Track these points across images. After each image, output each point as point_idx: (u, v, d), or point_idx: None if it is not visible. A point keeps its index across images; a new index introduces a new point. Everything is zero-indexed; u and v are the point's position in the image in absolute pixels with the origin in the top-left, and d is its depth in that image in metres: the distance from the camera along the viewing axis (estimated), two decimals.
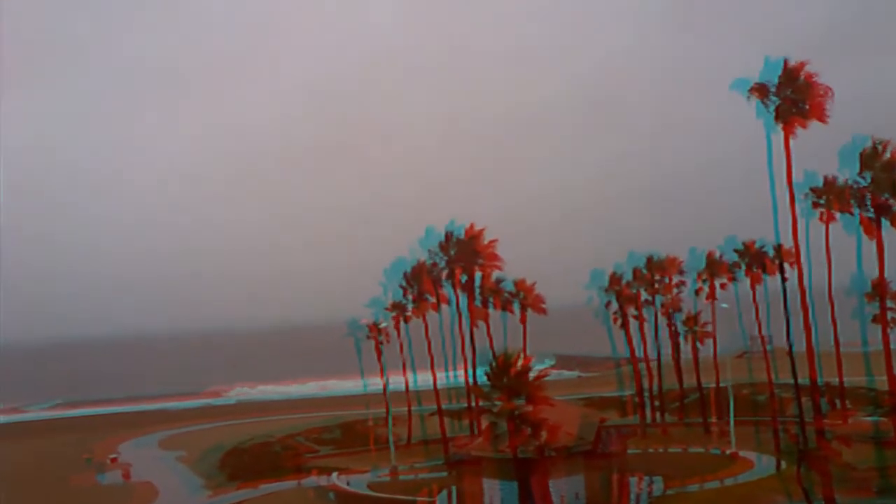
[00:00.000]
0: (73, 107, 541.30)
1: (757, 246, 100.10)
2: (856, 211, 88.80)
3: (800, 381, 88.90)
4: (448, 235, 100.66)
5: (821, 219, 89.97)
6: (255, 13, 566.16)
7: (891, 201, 72.88)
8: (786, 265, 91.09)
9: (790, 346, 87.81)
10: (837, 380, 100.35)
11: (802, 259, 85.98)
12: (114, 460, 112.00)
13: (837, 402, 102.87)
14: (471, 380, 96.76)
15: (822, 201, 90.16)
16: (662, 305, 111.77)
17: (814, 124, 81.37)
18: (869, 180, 73.90)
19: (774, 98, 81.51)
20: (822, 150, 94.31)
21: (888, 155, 73.07)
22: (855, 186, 76.38)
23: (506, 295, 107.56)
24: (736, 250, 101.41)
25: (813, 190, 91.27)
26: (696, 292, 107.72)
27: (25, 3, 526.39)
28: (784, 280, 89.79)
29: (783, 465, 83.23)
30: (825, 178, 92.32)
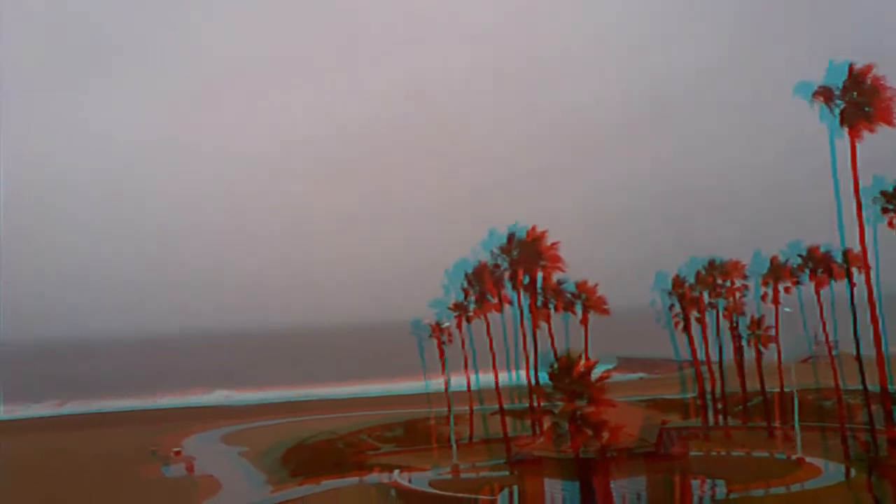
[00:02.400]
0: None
1: (822, 250, 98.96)
2: None
3: (869, 387, 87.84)
4: (510, 237, 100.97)
5: (890, 224, 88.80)
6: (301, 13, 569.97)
7: None
8: (854, 270, 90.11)
9: (858, 352, 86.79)
10: None
11: (871, 264, 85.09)
12: (177, 454, 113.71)
13: None
14: (533, 380, 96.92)
15: (891, 206, 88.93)
16: (725, 309, 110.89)
17: (881, 128, 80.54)
18: None
19: (839, 102, 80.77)
20: (891, 153, 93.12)
21: None
22: None
23: (568, 296, 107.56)
24: (799, 255, 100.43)
25: (883, 194, 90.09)
26: (762, 297, 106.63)
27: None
28: (852, 285, 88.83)
29: (853, 472, 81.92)
30: None
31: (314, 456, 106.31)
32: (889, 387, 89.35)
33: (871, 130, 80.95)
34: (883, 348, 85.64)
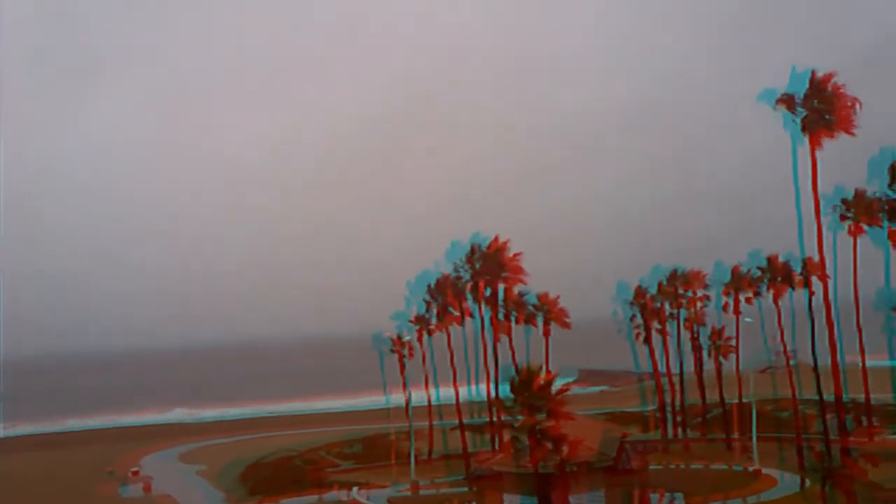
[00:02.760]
0: (84, 117, 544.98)
1: (782, 259, 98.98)
2: (885, 224, 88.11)
3: (825, 397, 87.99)
4: (473, 248, 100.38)
5: (849, 232, 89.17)
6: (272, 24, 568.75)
7: None
8: (813, 279, 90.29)
9: (815, 362, 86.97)
10: (864, 396, 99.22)
11: (829, 272, 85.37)
12: (135, 473, 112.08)
13: (864, 419, 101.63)
14: (493, 394, 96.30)
15: (850, 214, 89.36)
16: (686, 319, 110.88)
17: (842, 136, 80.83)
18: None
19: (801, 109, 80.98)
20: (851, 162, 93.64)
21: None
22: (884, 199, 75.61)
23: (529, 308, 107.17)
24: (759, 267, 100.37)
25: (842, 202, 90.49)
26: (724, 308, 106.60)
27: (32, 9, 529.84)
28: (811, 294, 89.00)
29: (807, 483, 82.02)
30: (855, 190, 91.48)
31: (273, 474, 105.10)
32: (844, 397, 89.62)
33: (832, 138, 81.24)
34: (838, 358, 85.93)
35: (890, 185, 75.40)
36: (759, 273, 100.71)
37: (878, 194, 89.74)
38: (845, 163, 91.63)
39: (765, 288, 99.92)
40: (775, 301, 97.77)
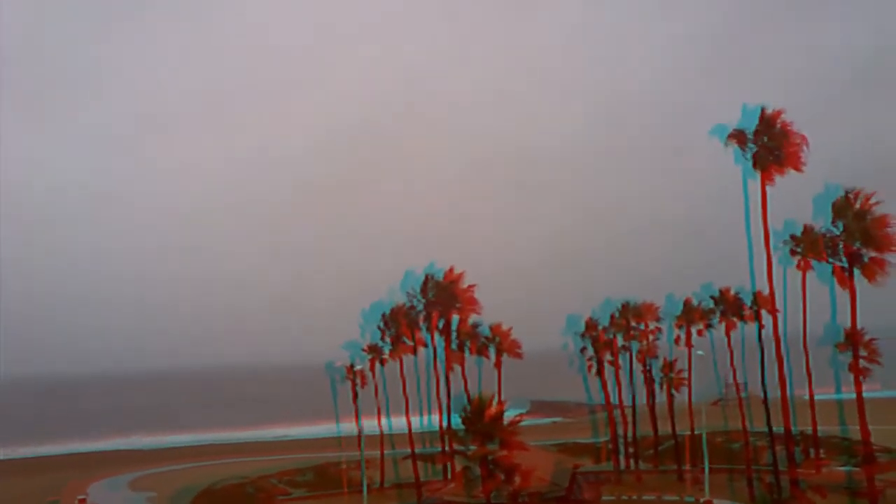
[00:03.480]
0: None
1: (733, 293, 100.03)
2: (830, 260, 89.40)
3: (774, 429, 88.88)
4: (427, 279, 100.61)
5: (798, 267, 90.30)
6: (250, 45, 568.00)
7: (862, 251, 73.14)
8: (763, 312, 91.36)
9: (765, 394, 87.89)
10: (811, 429, 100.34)
11: (779, 306, 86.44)
12: (82, 501, 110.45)
13: (811, 451, 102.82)
14: (445, 424, 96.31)
15: (799, 249, 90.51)
16: (638, 352, 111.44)
17: (790, 172, 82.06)
18: (842, 229, 74.15)
19: (752, 146, 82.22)
20: (800, 197, 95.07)
21: (859, 205, 73.39)
22: (828, 235, 76.74)
23: (482, 339, 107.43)
24: (712, 297, 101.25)
25: (791, 237, 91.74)
26: (675, 341, 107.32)
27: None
28: (760, 327, 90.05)
29: None
30: (805, 226, 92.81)
31: (224, 501, 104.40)
32: (793, 429, 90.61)
33: (782, 174, 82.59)
34: (787, 390, 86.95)
35: (833, 222, 76.63)
36: (710, 305, 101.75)
37: (824, 230, 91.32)
38: (795, 198, 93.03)
39: (716, 320, 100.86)
40: (727, 334, 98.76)
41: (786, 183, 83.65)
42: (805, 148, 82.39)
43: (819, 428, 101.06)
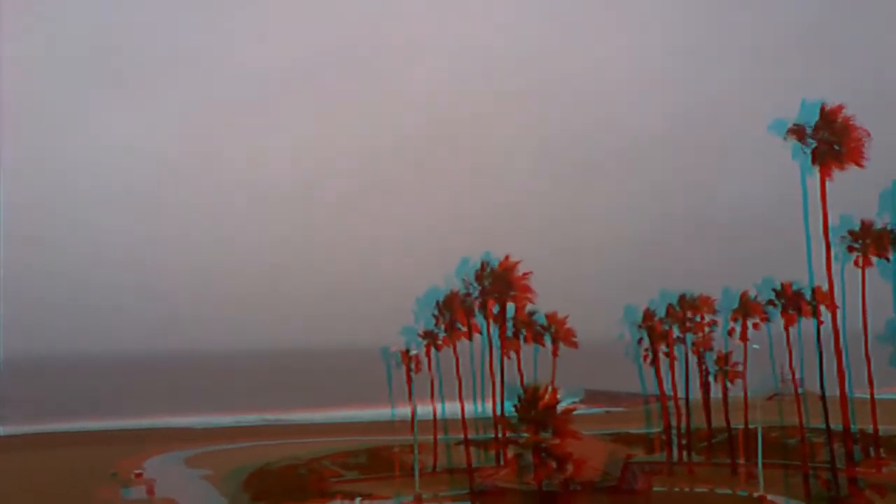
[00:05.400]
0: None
1: (794, 288, 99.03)
2: (893, 257, 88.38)
3: (832, 426, 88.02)
4: (483, 266, 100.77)
5: (856, 263, 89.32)
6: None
7: None
8: (821, 308, 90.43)
9: (822, 391, 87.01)
10: (872, 427, 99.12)
11: (838, 303, 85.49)
12: (138, 476, 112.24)
13: (871, 449, 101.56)
14: (499, 411, 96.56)
15: (857, 245, 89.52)
16: (693, 344, 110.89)
17: (852, 168, 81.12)
18: None
19: (811, 141, 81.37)
20: (862, 193, 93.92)
21: None
22: (893, 231, 75.86)
23: (537, 327, 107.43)
24: (774, 290, 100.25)
25: (850, 233, 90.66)
26: (729, 333, 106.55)
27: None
28: (819, 323, 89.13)
29: None
30: (862, 221, 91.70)
31: (276, 481, 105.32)
32: (851, 427, 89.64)
33: (842, 169, 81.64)
34: (846, 388, 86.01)
35: None
36: (768, 299, 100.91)
37: (889, 226, 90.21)
38: (853, 194, 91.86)
39: (778, 314, 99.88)
40: (786, 328, 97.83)
41: (847, 177, 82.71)
42: (868, 143, 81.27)
43: (880, 427, 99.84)
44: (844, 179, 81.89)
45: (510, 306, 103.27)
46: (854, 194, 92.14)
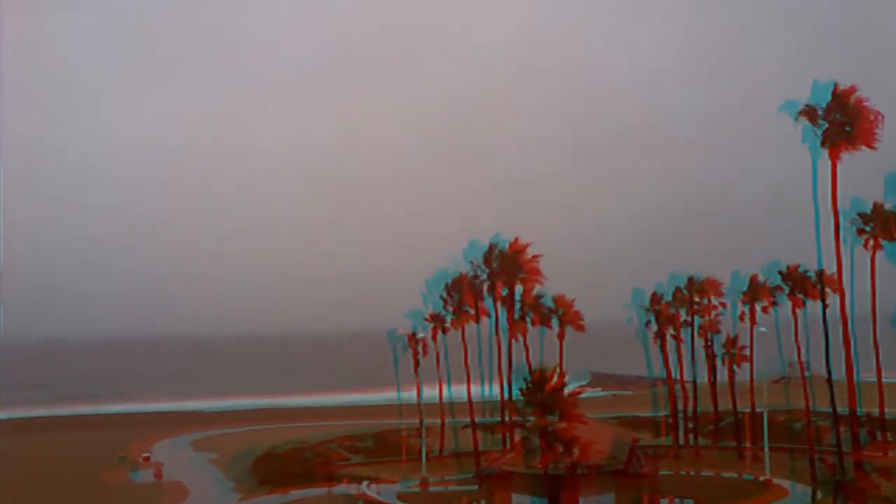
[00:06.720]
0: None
1: (800, 271, 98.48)
2: None
3: (839, 410, 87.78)
4: (492, 248, 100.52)
5: (865, 246, 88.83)
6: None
7: None
8: (828, 291, 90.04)
9: (829, 374, 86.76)
10: (878, 410, 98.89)
11: (845, 286, 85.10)
12: (146, 459, 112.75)
13: (878, 433, 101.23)
14: (505, 394, 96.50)
15: (867, 228, 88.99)
16: (700, 327, 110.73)
17: (862, 150, 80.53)
18: None
19: (823, 122, 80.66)
20: (872, 175, 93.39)
21: None
22: None
23: (545, 310, 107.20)
24: (780, 272, 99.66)
25: (859, 216, 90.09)
26: (740, 317, 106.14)
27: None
28: (825, 307, 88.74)
29: (819, 494, 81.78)
30: (874, 204, 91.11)
31: (283, 465, 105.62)
32: (858, 410, 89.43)
33: (854, 151, 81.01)
34: (854, 371, 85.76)
35: None
36: (777, 282, 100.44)
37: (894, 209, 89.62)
38: (864, 176, 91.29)
39: (785, 298, 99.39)
40: (793, 312, 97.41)
41: (856, 160, 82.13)
42: (881, 125, 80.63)
43: (887, 410, 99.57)
44: (855, 162, 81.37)
45: (518, 289, 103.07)
46: (865, 177, 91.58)
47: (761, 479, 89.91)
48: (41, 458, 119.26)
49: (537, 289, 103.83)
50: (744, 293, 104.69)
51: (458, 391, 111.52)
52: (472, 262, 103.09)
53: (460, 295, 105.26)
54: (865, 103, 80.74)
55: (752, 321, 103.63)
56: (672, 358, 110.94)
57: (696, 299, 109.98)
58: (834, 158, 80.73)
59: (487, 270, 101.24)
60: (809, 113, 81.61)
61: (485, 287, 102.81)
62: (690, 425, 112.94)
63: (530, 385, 63.32)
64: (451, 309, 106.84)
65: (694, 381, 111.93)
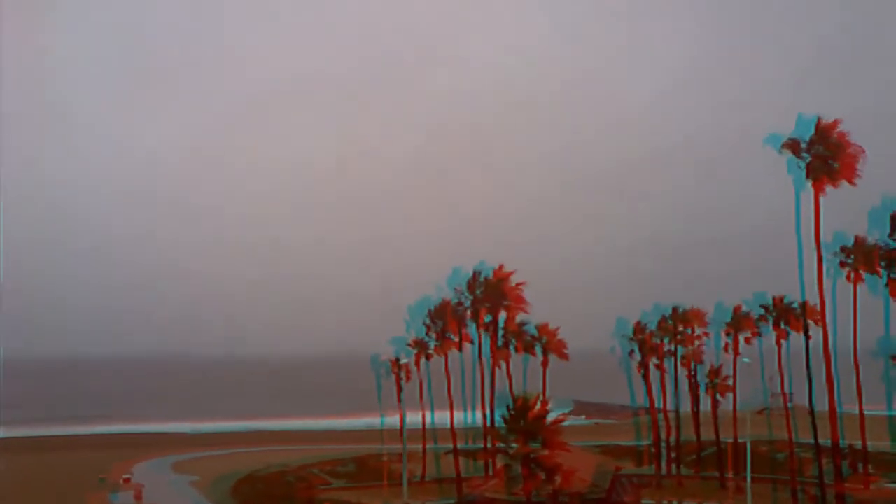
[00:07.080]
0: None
1: (785, 302, 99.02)
2: (884, 273, 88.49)
3: (821, 441, 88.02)
4: (475, 275, 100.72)
5: (848, 279, 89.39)
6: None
7: None
8: (811, 323, 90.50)
9: (812, 406, 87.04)
10: (860, 443, 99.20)
11: (828, 318, 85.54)
12: (126, 481, 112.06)
13: (860, 465, 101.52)
14: (488, 421, 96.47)
15: (849, 261, 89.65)
16: (684, 357, 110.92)
17: (844, 184, 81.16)
18: None
19: (806, 155, 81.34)
20: (854, 209, 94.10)
21: None
22: (884, 248, 75.85)
23: (528, 338, 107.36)
24: (763, 305, 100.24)
25: (842, 249, 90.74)
26: (725, 348, 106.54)
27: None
28: (808, 338, 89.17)
29: None
30: (856, 237, 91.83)
31: (265, 489, 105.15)
32: (840, 442, 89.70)
33: (835, 185, 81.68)
34: (836, 403, 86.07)
35: (890, 235, 75.64)
36: (760, 314, 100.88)
37: (878, 242, 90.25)
38: (847, 210, 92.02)
39: (769, 329, 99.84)
40: (778, 343, 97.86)
41: (840, 193, 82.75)
42: (862, 160, 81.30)
43: (869, 443, 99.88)
44: (838, 195, 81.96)
45: (502, 317, 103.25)
46: (849, 210, 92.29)
47: None
48: (21, 479, 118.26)
49: (521, 316, 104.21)
50: (728, 324, 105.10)
51: (441, 417, 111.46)
52: (455, 289, 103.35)
53: (444, 322, 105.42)
54: (847, 138, 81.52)
55: (736, 352, 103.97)
56: (655, 387, 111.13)
57: (680, 329, 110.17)
58: (817, 192, 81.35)
59: (471, 297, 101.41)
60: (793, 146, 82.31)
61: (468, 314, 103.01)
62: (673, 455, 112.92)
63: (513, 412, 63.40)
64: (434, 335, 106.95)
65: (677, 411, 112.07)
